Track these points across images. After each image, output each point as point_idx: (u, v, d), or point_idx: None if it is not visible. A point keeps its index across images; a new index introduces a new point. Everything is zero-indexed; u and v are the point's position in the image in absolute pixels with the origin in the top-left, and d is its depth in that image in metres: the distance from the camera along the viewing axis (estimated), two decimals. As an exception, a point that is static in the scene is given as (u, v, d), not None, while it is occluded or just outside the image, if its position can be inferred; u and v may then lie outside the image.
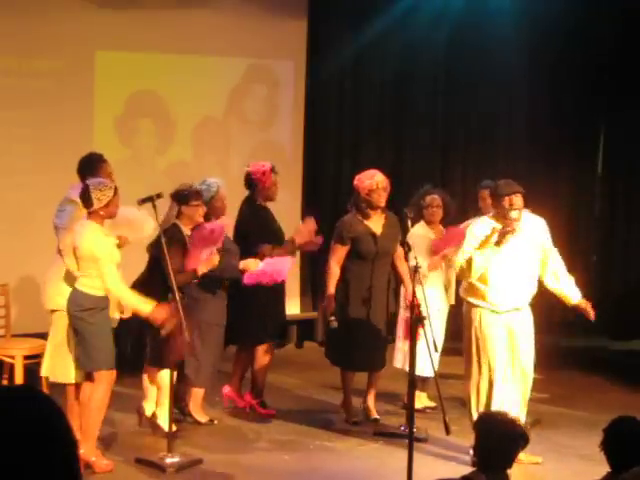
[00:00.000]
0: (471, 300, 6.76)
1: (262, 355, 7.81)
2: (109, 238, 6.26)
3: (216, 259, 6.87)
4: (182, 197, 6.99)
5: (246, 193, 7.90)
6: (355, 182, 7.56)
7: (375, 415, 7.72)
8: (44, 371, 6.68)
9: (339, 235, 7.55)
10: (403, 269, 7.54)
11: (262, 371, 7.83)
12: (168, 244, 6.50)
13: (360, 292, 7.48)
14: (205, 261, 6.82)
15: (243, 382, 7.97)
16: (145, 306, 6.27)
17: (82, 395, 6.35)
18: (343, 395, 7.75)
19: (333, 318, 7.41)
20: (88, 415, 6.26)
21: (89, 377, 6.34)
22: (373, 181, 7.45)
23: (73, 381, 6.46)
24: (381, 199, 7.48)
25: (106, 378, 6.27)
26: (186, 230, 6.96)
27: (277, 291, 7.73)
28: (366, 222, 7.54)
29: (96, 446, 6.45)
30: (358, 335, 7.49)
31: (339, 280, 7.56)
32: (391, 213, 7.65)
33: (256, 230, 7.63)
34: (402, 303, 7.74)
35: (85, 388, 6.36)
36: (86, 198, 6.19)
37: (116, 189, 6.25)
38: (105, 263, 6.15)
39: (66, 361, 6.43)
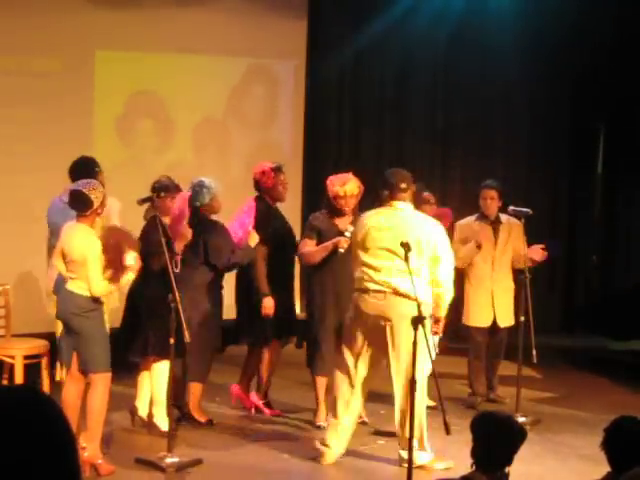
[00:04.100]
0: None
1: (270, 355, 7.81)
2: (98, 241, 6.23)
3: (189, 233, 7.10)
4: (163, 190, 7.10)
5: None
6: (327, 182, 7.48)
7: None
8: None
9: (306, 228, 7.57)
10: None
11: (269, 371, 7.84)
12: (154, 235, 6.55)
13: (326, 293, 7.38)
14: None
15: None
16: (126, 276, 6.25)
17: (69, 396, 6.31)
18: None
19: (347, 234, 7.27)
20: (90, 418, 6.24)
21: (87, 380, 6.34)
22: (341, 189, 7.35)
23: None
24: (347, 205, 7.38)
25: (103, 380, 6.26)
26: (166, 220, 7.05)
27: (286, 289, 7.77)
28: (333, 221, 7.46)
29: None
30: (324, 338, 7.38)
31: (309, 281, 7.60)
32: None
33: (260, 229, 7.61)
34: None
35: (71, 389, 6.34)
36: (84, 201, 6.16)
37: (103, 185, 6.38)
38: (94, 266, 6.12)
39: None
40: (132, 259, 6.20)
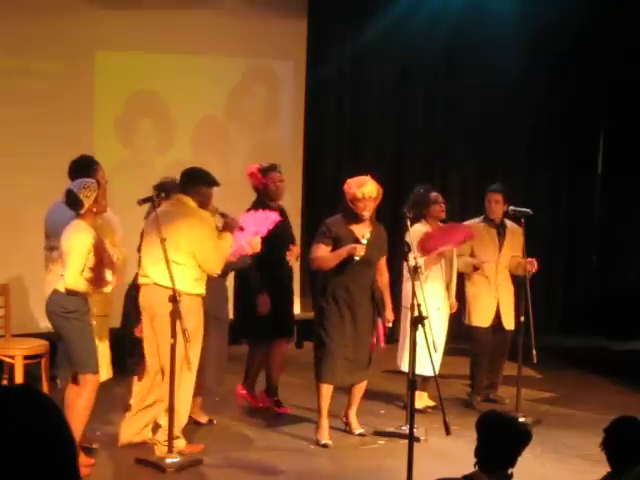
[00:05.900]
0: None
1: (276, 353, 7.82)
2: (90, 239, 6.19)
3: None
4: (164, 191, 6.99)
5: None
6: (344, 186, 7.17)
7: (359, 429, 7.37)
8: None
9: (322, 233, 7.17)
10: (383, 281, 7.29)
11: (276, 369, 7.85)
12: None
13: (339, 301, 7.11)
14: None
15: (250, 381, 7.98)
16: (104, 288, 6.24)
17: (66, 397, 6.31)
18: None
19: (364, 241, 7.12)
20: (72, 417, 6.18)
21: (74, 380, 6.33)
22: (359, 190, 7.03)
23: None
24: (366, 209, 7.06)
25: (91, 381, 6.25)
26: None
27: (286, 288, 7.78)
28: (350, 227, 7.15)
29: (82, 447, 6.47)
30: (334, 346, 7.11)
31: (320, 287, 7.31)
32: (378, 224, 7.29)
33: None
34: (404, 302, 7.71)
35: (70, 391, 6.34)
36: (75, 202, 6.16)
37: (98, 183, 6.30)
38: (74, 258, 6.08)
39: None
40: (110, 275, 6.20)
